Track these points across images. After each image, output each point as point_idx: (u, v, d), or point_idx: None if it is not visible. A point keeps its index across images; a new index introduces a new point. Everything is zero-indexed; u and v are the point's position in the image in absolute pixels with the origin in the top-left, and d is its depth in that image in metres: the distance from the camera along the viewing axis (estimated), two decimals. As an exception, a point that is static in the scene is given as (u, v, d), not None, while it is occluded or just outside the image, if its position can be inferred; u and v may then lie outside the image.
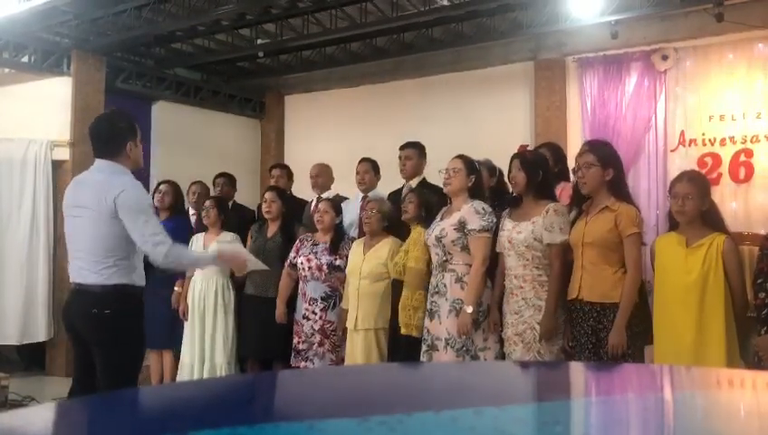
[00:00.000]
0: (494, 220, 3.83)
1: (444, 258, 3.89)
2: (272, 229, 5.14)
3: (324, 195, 5.54)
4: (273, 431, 1.23)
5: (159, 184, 5.62)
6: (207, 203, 5.28)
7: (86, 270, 3.18)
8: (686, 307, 3.32)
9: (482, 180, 4.05)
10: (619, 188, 3.57)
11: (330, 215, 4.80)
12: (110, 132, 3.30)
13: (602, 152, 3.63)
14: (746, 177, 6.13)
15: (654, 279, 3.61)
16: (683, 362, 3.22)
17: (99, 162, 3.30)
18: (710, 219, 3.41)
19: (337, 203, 4.99)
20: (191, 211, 5.91)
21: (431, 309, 3.93)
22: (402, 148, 5.09)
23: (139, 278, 3.29)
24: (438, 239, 3.88)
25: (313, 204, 5.64)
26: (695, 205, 3.37)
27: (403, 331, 4.09)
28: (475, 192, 3.94)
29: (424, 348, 3.93)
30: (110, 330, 3.17)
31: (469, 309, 3.73)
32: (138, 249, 3.24)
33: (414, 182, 4.94)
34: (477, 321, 3.79)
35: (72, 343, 3.40)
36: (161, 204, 5.43)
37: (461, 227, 3.82)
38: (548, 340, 3.58)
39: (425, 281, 4.07)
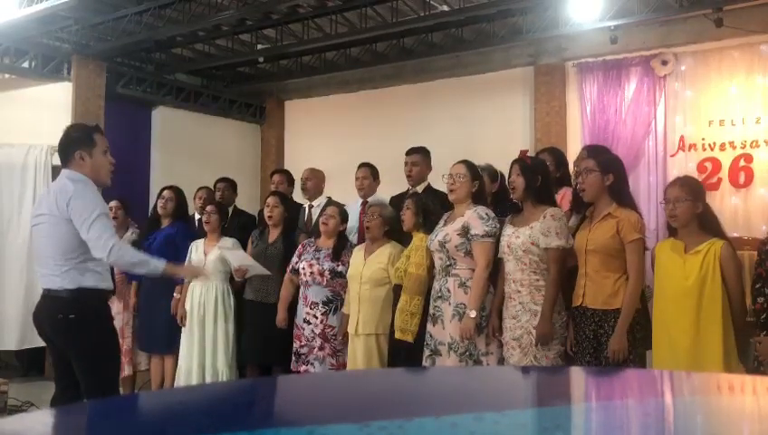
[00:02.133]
0: (498, 226, 3.83)
1: (447, 263, 3.89)
2: (273, 235, 5.14)
3: (316, 202, 5.53)
4: (273, 437, 1.23)
5: (163, 190, 5.61)
6: (208, 208, 5.27)
7: (50, 275, 3.24)
8: (683, 312, 3.32)
9: (484, 185, 4.06)
10: (620, 194, 3.56)
11: (335, 220, 4.79)
12: (63, 141, 3.49)
13: (602, 157, 3.64)
14: (746, 181, 6.14)
15: (653, 284, 3.61)
16: (680, 367, 3.22)
17: (61, 172, 3.45)
18: (707, 224, 3.40)
19: (344, 210, 4.97)
20: (197, 217, 5.91)
21: (434, 314, 3.93)
22: (408, 153, 5.07)
23: (103, 281, 3.32)
24: (442, 244, 3.88)
25: (306, 211, 5.63)
26: (686, 208, 3.36)
27: (398, 335, 4.09)
28: (478, 197, 3.95)
29: (426, 353, 3.93)
30: (77, 334, 3.21)
31: (473, 314, 3.74)
32: None
33: (419, 188, 4.94)
34: (480, 326, 3.79)
35: (48, 349, 3.47)
36: (164, 210, 5.42)
37: (464, 232, 3.83)
38: (544, 344, 3.58)
39: (424, 287, 4.07)
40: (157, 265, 3.45)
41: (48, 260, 3.25)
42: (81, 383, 3.26)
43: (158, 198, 5.55)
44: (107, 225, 3.27)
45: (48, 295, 3.27)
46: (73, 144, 3.46)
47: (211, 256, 5.09)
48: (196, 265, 4.85)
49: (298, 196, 6.13)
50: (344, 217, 4.86)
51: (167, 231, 5.30)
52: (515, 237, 3.70)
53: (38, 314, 3.36)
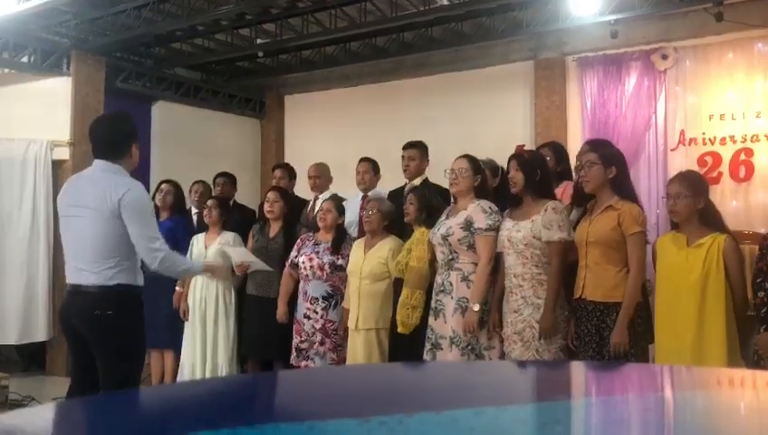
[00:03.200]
0: (500, 219, 3.84)
1: (450, 257, 3.89)
2: (274, 229, 5.14)
3: (322, 195, 5.54)
4: (274, 432, 1.23)
5: (161, 183, 5.63)
6: (210, 203, 5.28)
7: (86, 271, 3.17)
8: (686, 306, 3.33)
9: (486, 179, 4.06)
10: (622, 187, 3.57)
11: (333, 214, 4.79)
12: (118, 135, 3.32)
13: (604, 150, 3.64)
14: (746, 176, 6.13)
15: (655, 278, 3.61)
16: (683, 362, 3.23)
17: (100, 163, 3.29)
18: (709, 219, 3.41)
19: (340, 203, 4.98)
20: (194, 210, 5.92)
21: (436, 308, 3.93)
22: (405, 148, 5.07)
23: (139, 278, 3.29)
24: (444, 238, 3.88)
25: (310, 204, 5.64)
26: (687, 203, 3.37)
27: (400, 329, 4.09)
28: (480, 191, 3.95)
29: (427, 347, 3.94)
30: (112, 330, 3.16)
31: (476, 307, 3.74)
32: (135, 250, 3.24)
33: (417, 182, 4.93)
34: (482, 320, 3.80)
35: (70, 344, 3.39)
36: (162, 203, 5.44)
37: (468, 225, 3.83)
38: (547, 338, 3.59)
39: (425, 281, 4.08)
40: (198, 266, 3.85)
41: (84, 255, 3.18)
42: (103, 380, 3.19)
43: (155, 191, 5.56)
44: (158, 230, 3.30)
45: (79, 291, 3.19)
46: (131, 137, 3.36)
47: (211, 249, 5.10)
48: (223, 264, 4.78)
49: (299, 190, 6.13)
50: (341, 210, 4.86)
51: (167, 225, 5.31)
52: (516, 231, 3.70)
53: (67, 309, 3.28)
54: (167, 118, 7.99)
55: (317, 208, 5.37)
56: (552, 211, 3.64)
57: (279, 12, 6.80)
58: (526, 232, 3.66)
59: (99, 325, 3.16)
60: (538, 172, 3.74)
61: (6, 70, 6.93)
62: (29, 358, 7.00)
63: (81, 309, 3.20)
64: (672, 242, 3.46)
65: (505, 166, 4.05)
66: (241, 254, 4.91)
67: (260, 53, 7.65)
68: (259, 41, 7.33)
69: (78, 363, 3.36)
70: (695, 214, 3.39)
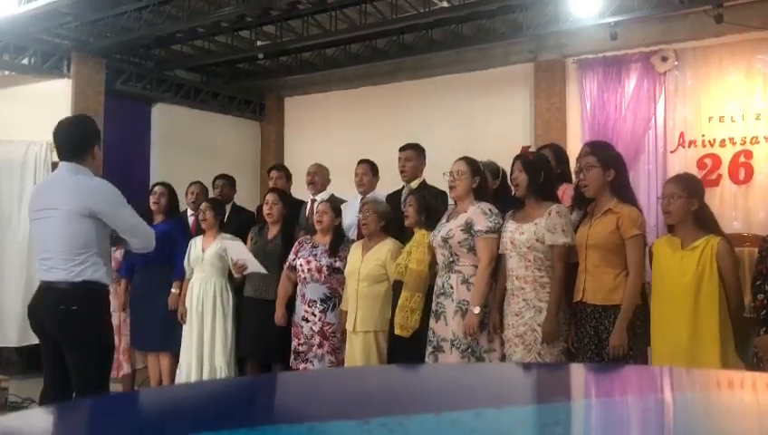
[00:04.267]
0: (501, 221, 3.83)
1: (450, 259, 3.89)
2: (272, 232, 5.13)
3: (319, 196, 5.53)
4: (274, 433, 1.23)
5: (154, 186, 5.60)
6: (203, 205, 5.23)
7: (55, 268, 3.23)
8: (681, 308, 3.33)
9: (486, 181, 4.05)
10: (621, 190, 3.57)
11: (329, 215, 4.78)
12: (82, 136, 3.41)
13: (603, 153, 3.63)
14: (746, 178, 6.14)
15: (652, 281, 3.61)
16: (678, 363, 3.23)
17: (65, 165, 3.39)
18: (703, 221, 3.41)
19: (336, 204, 4.97)
20: (189, 212, 5.90)
21: (436, 310, 3.92)
22: (402, 149, 5.07)
23: (105, 276, 3.34)
24: (445, 240, 3.88)
25: (308, 205, 5.64)
26: (681, 204, 3.37)
27: (397, 331, 4.08)
28: (480, 193, 3.95)
29: (429, 349, 3.93)
30: (77, 326, 3.21)
31: (476, 310, 3.73)
32: (106, 249, 3.34)
33: (414, 184, 4.93)
34: (483, 322, 3.79)
35: (41, 343, 3.43)
36: (156, 206, 5.40)
37: (468, 228, 3.82)
38: (550, 342, 3.58)
39: (425, 283, 4.07)
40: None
41: (54, 253, 3.24)
42: (74, 377, 3.24)
43: (149, 194, 5.54)
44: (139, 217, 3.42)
45: (49, 287, 3.26)
46: (94, 137, 3.44)
47: (209, 251, 5.09)
48: (244, 250, 4.93)
49: (296, 192, 6.12)
50: (337, 211, 4.85)
51: (162, 227, 5.28)
52: (519, 234, 3.69)
53: (36, 306, 3.34)
54: (167, 120, 8.00)
55: (314, 210, 5.38)
56: (556, 215, 3.62)
57: (279, 14, 6.81)
58: (530, 235, 3.64)
59: (64, 321, 3.21)
60: (542, 174, 3.73)
61: (7, 72, 6.94)
62: (29, 360, 6.99)
63: (47, 305, 3.26)
64: (667, 245, 3.47)
65: (506, 167, 4.04)
66: (238, 251, 4.90)
67: (260, 55, 7.66)
68: (259, 43, 7.34)
69: (49, 363, 3.40)
70: (689, 216, 3.39)
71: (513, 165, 3.84)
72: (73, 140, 3.39)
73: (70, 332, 3.23)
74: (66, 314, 3.19)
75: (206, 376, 4.96)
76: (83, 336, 3.22)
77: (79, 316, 3.20)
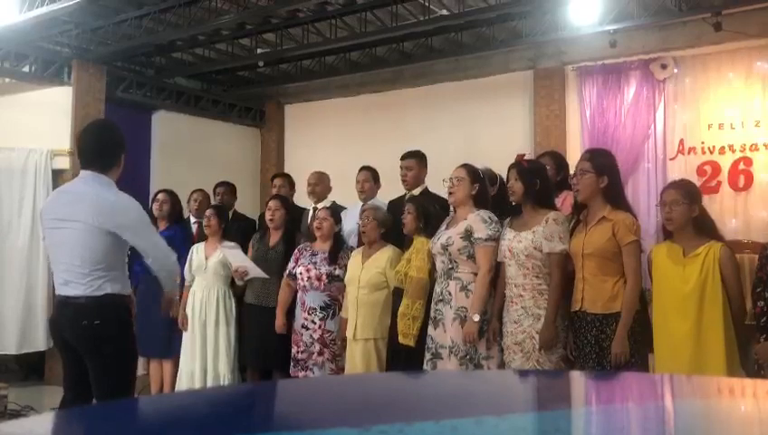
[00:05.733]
0: (500, 229, 3.83)
1: (449, 266, 3.89)
2: (274, 238, 5.13)
3: (321, 204, 5.54)
4: (273, 441, 1.23)
5: (157, 193, 5.62)
6: (208, 212, 5.27)
7: (73, 282, 3.17)
8: (684, 317, 3.32)
9: (486, 189, 4.05)
10: (614, 196, 3.56)
11: (329, 222, 4.79)
12: (110, 144, 3.28)
13: (598, 160, 3.63)
14: (745, 185, 6.14)
15: (652, 288, 3.60)
16: (683, 372, 3.22)
17: (87, 174, 3.24)
18: (703, 227, 3.41)
19: (336, 211, 4.98)
20: (192, 219, 5.91)
21: (435, 317, 3.92)
22: (403, 158, 5.08)
23: (126, 287, 3.31)
24: (444, 248, 3.88)
25: (309, 213, 5.64)
26: (683, 211, 3.37)
27: (401, 340, 4.08)
28: (479, 200, 3.95)
29: (428, 356, 3.93)
30: (101, 340, 3.17)
31: (476, 317, 3.73)
32: (123, 260, 3.28)
33: (416, 192, 4.94)
34: (481, 329, 3.79)
35: (62, 355, 3.39)
36: (159, 213, 5.42)
37: (467, 235, 3.83)
38: (547, 349, 3.58)
39: (425, 291, 4.07)
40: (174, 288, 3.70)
41: (72, 267, 3.16)
42: (95, 389, 3.20)
43: (152, 201, 5.55)
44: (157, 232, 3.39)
45: (67, 302, 3.19)
46: (121, 146, 3.30)
47: (212, 259, 5.09)
48: (242, 257, 4.95)
49: (299, 199, 6.13)
50: (337, 218, 4.86)
51: (165, 234, 5.30)
52: (517, 242, 3.69)
53: (58, 320, 3.28)
54: (167, 127, 8.01)
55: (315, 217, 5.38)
56: (553, 222, 3.63)
57: (279, 22, 6.83)
58: (527, 243, 3.65)
59: (87, 336, 3.16)
60: (537, 182, 3.74)
61: (7, 79, 6.95)
62: (28, 368, 6.98)
63: (69, 320, 3.20)
64: (667, 252, 3.46)
65: (505, 175, 4.05)
66: (238, 259, 4.91)
67: (260, 63, 7.67)
68: (259, 50, 7.35)
69: (70, 374, 3.36)
70: (689, 222, 3.39)
71: (508, 173, 3.85)
72: (101, 149, 3.24)
73: (93, 346, 3.18)
74: (89, 330, 3.14)
75: (209, 383, 4.96)
76: (108, 349, 3.17)
77: (102, 330, 3.15)
